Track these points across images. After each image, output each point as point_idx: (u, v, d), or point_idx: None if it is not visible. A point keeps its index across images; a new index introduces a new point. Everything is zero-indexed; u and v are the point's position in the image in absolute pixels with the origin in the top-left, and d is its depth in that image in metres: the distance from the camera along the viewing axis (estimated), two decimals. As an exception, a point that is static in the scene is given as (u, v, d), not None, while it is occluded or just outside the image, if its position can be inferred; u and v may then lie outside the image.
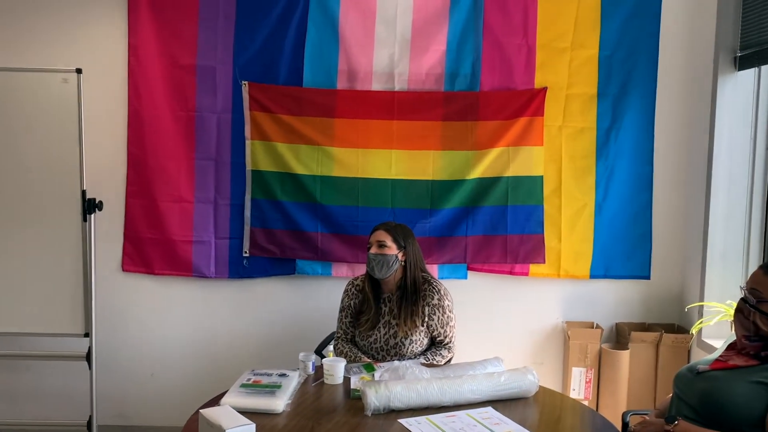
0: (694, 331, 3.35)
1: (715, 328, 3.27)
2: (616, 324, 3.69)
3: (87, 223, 3.22)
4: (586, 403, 3.46)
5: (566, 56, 3.55)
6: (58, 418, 3.65)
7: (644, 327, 3.64)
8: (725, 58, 3.34)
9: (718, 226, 3.38)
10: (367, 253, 2.93)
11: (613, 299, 3.69)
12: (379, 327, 2.92)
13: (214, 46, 3.57)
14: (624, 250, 3.64)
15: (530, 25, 3.54)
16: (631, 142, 3.60)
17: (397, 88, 3.57)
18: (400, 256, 2.91)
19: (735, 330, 2.15)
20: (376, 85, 3.57)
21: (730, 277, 3.38)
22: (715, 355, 2.22)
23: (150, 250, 3.66)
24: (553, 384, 3.65)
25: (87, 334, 3.28)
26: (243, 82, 3.58)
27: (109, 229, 3.61)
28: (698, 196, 3.49)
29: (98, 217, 3.28)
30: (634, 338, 3.48)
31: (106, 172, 3.60)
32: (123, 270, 3.69)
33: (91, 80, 3.39)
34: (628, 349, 3.47)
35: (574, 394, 3.52)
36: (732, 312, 2.16)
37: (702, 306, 3.37)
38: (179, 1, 3.55)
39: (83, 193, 3.20)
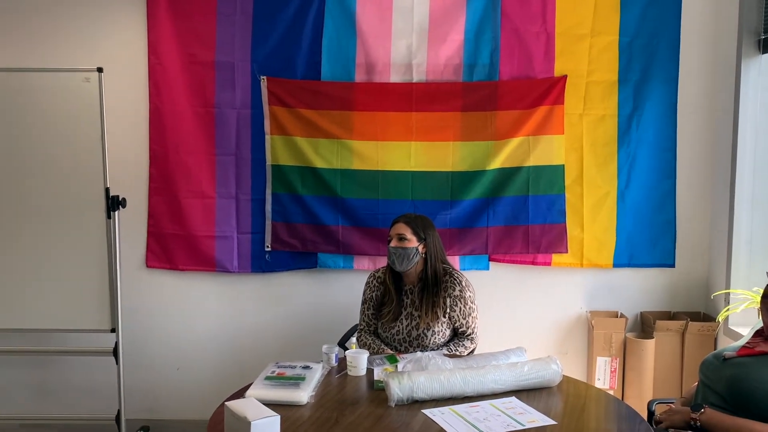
0: (720, 318, 3.32)
1: (742, 316, 3.23)
2: (641, 313, 3.65)
3: (111, 220, 3.25)
4: (611, 392, 3.43)
5: (586, 43, 3.52)
6: (87, 413, 3.71)
7: (669, 315, 3.60)
8: (749, 41, 3.29)
9: (743, 211, 3.34)
10: (387, 246, 2.94)
11: (638, 288, 3.65)
12: (402, 318, 2.92)
13: (232, 42, 3.59)
14: (648, 237, 3.61)
15: (549, 12, 3.51)
16: (653, 128, 3.56)
17: (415, 79, 3.56)
18: (420, 248, 2.91)
19: (762, 316, 2.12)
20: (394, 77, 3.57)
21: (757, 263, 3.33)
22: (742, 341, 2.20)
23: (173, 246, 3.70)
24: (577, 374, 3.64)
25: (113, 330, 3.32)
26: (261, 77, 3.59)
27: (132, 226, 3.65)
28: (723, 181, 3.45)
29: (122, 214, 3.31)
30: (659, 327, 3.45)
31: (129, 169, 3.64)
32: (147, 266, 3.73)
33: (112, 79, 3.42)
34: (653, 338, 3.44)
35: (598, 384, 3.50)
36: (759, 299, 2.13)
37: (728, 293, 3.33)
38: (197, -2, 3.58)
39: (107, 190, 3.23)
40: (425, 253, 2.92)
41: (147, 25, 3.61)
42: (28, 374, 3.82)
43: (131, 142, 3.66)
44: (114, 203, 3.24)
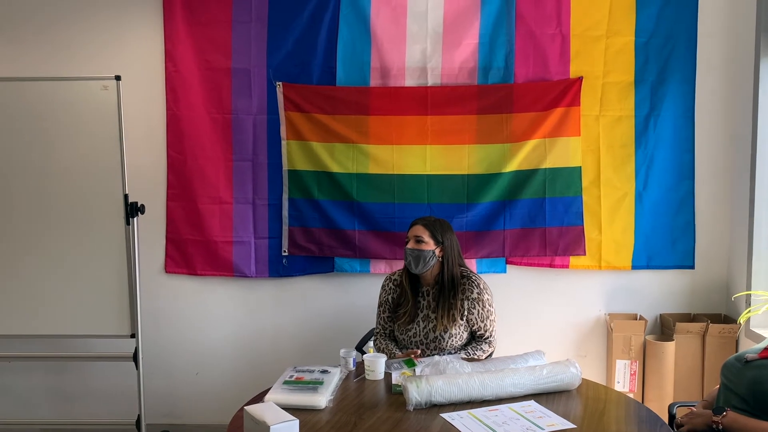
0: (741, 320, 3.28)
1: (764, 317, 3.19)
2: (661, 315, 3.62)
3: (130, 226, 3.28)
4: (631, 395, 3.40)
5: (601, 44, 3.50)
6: (107, 418, 3.74)
7: (689, 318, 3.57)
8: (767, 40, 3.25)
9: (763, 211, 3.30)
10: (404, 247, 2.93)
11: (657, 290, 3.62)
12: (418, 321, 2.92)
13: (248, 49, 3.61)
14: (667, 239, 3.58)
15: (563, 14, 3.50)
16: (671, 129, 3.54)
17: (430, 83, 3.56)
18: (437, 252, 2.90)
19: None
20: (409, 81, 3.57)
21: (778, 264, 3.29)
22: (764, 343, 2.17)
23: (192, 252, 3.73)
24: (596, 377, 3.61)
25: (133, 335, 3.34)
26: (277, 83, 3.61)
27: (151, 232, 3.68)
28: (743, 182, 3.41)
29: (141, 220, 3.34)
30: (679, 329, 3.42)
31: (147, 175, 3.67)
32: (166, 271, 3.76)
33: (130, 87, 3.45)
34: (673, 340, 3.41)
35: (618, 387, 3.47)
36: (781, 300, 2.11)
37: (749, 295, 3.30)
38: (212, 6, 3.60)
39: (125, 197, 3.26)
40: (442, 257, 2.92)
41: (164, 34, 3.64)
42: (49, 379, 3.87)
43: (149, 148, 3.69)
44: (133, 210, 3.27)
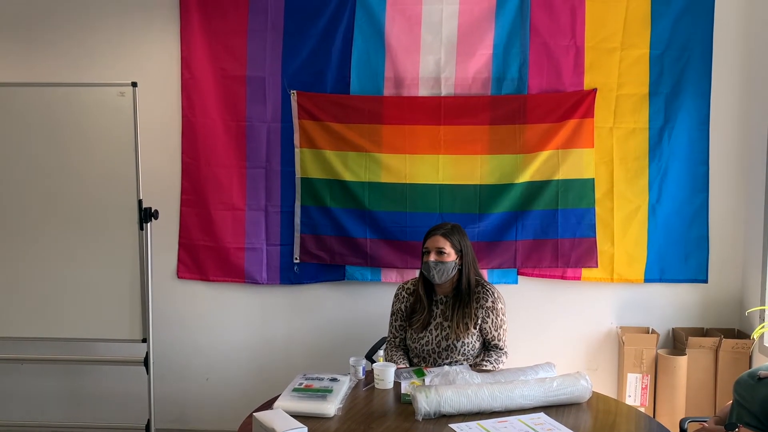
0: (755, 336, 3.25)
1: (778, 333, 3.16)
2: (673, 329, 3.59)
3: (143, 231, 3.30)
4: (642, 409, 3.38)
5: (616, 56, 3.50)
6: (117, 421, 3.75)
7: (702, 332, 3.54)
8: (784, 53, 3.24)
9: (779, 227, 3.28)
10: (423, 258, 2.90)
11: (669, 304, 3.60)
12: (431, 329, 2.91)
13: (263, 57, 3.64)
14: (680, 252, 3.55)
15: (578, 26, 3.50)
16: (685, 142, 3.52)
17: (443, 93, 3.57)
18: (457, 261, 2.90)
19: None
20: (423, 91, 3.58)
21: (793, 279, 3.26)
22: (778, 360, 2.15)
23: (204, 258, 3.75)
24: (607, 390, 3.58)
25: (144, 340, 3.36)
26: (291, 91, 3.63)
27: (164, 237, 3.70)
28: (757, 195, 3.39)
29: (154, 225, 3.36)
30: (691, 344, 3.39)
31: (162, 181, 3.70)
32: (178, 277, 3.78)
33: (146, 93, 3.47)
34: (685, 354, 3.38)
35: (629, 401, 3.44)
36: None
37: (763, 310, 3.27)
38: (229, 14, 3.64)
39: (140, 202, 3.28)
40: (461, 265, 2.91)
41: (180, 41, 3.68)
42: (61, 383, 3.89)
43: (164, 154, 3.72)
44: (146, 215, 3.29)
